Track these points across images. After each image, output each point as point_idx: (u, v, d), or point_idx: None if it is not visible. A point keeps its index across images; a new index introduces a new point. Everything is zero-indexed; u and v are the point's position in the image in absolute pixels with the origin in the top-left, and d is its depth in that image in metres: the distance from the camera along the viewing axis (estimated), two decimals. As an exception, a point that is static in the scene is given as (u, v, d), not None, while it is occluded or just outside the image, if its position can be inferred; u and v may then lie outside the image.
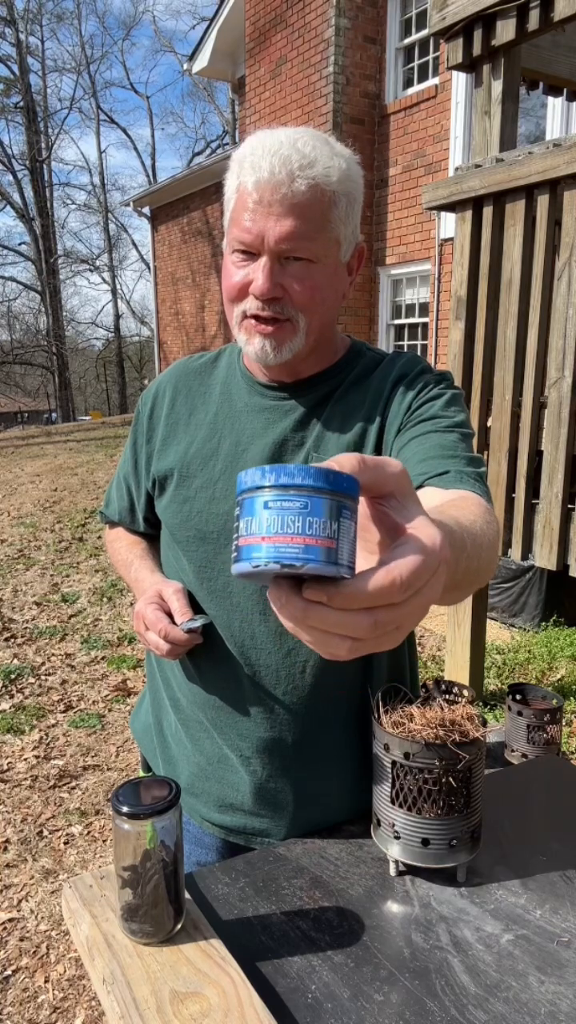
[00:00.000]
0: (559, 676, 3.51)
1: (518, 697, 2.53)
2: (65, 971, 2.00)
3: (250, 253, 0.93)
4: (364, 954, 0.84)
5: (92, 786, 2.83)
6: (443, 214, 6.90)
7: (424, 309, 8.20)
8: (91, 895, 0.90)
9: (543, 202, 2.58)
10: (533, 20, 2.59)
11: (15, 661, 3.96)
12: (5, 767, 2.96)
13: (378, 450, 0.99)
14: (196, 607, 1.04)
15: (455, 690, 1.04)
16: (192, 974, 0.78)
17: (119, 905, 0.84)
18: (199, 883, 0.95)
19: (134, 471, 1.16)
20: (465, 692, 1.03)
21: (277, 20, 8.43)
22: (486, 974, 0.81)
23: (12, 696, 3.56)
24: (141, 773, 1.22)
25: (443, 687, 1.05)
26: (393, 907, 0.90)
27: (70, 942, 2.08)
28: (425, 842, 0.91)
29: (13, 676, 3.76)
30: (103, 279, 32.15)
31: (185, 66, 11.91)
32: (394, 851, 0.94)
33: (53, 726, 3.29)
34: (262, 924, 0.88)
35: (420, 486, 0.86)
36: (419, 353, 8.23)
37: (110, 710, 3.44)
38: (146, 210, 14.16)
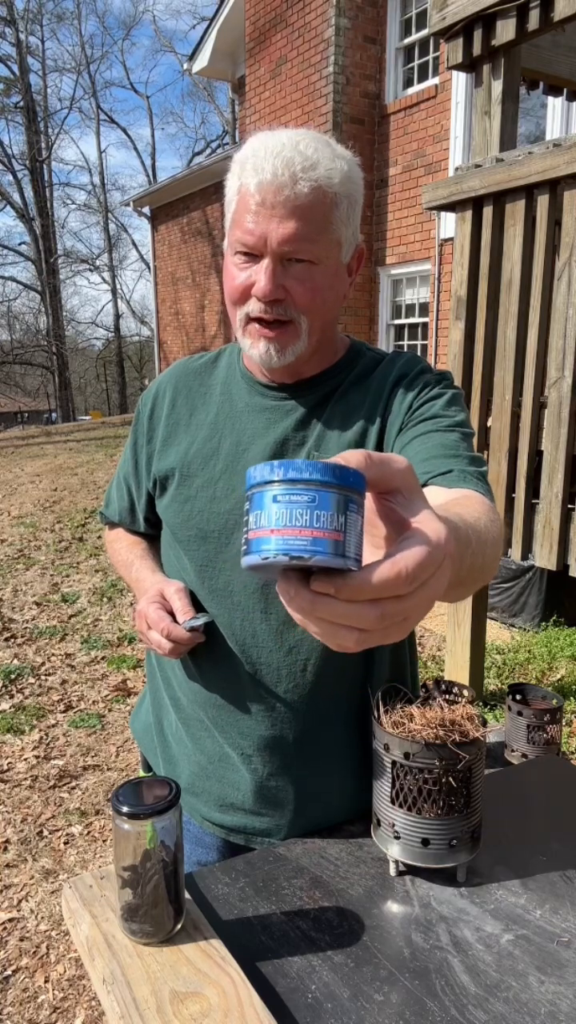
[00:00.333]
0: (559, 676, 3.51)
1: (518, 697, 2.53)
2: (65, 971, 2.00)
3: (252, 255, 0.93)
4: (364, 954, 0.84)
5: (92, 786, 2.83)
6: (443, 214, 6.90)
7: (424, 309, 8.20)
8: (91, 895, 0.90)
9: (543, 202, 2.58)
10: (533, 20, 2.59)
11: (15, 661, 3.96)
12: (5, 767, 2.96)
13: (379, 449, 0.99)
14: (198, 606, 1.04)
15: (455, 690, 1.04)
16: (192, 974, 0.78)
17: (119, 905, 0.84)
18: (199, 883, 0.95)
19: (134, 471, 1.16)
20: (465, 692, 1.03)
21: (277, 20, 8.43)
22: (486, 974, 0.81)
23: (12, 696, 3.56)
24: (141, 773, 1.22)
25: (443, 687, 1.05)
26: (393, 907, 0.90)
27: (70, 942, 2.08)
28: (425, 842, 0.91)
29: (13, 676, 3.76)
30: (103, 279, 32.17)
31: (185, 66, 11.91)
32: (394, 851, 0.94)
33: (53, 726, 3.29)
34: (262, 924, 0.88)
35: (424, 485, 0.86)
36: (419, 353, 8.23)
37: (110, 710, 3.44)
38: (146, 210, 14.16)
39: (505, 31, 2.69)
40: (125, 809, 0.79)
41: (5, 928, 2.15)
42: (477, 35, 2.79)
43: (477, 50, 2.81)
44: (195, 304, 12.98)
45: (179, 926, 0.84)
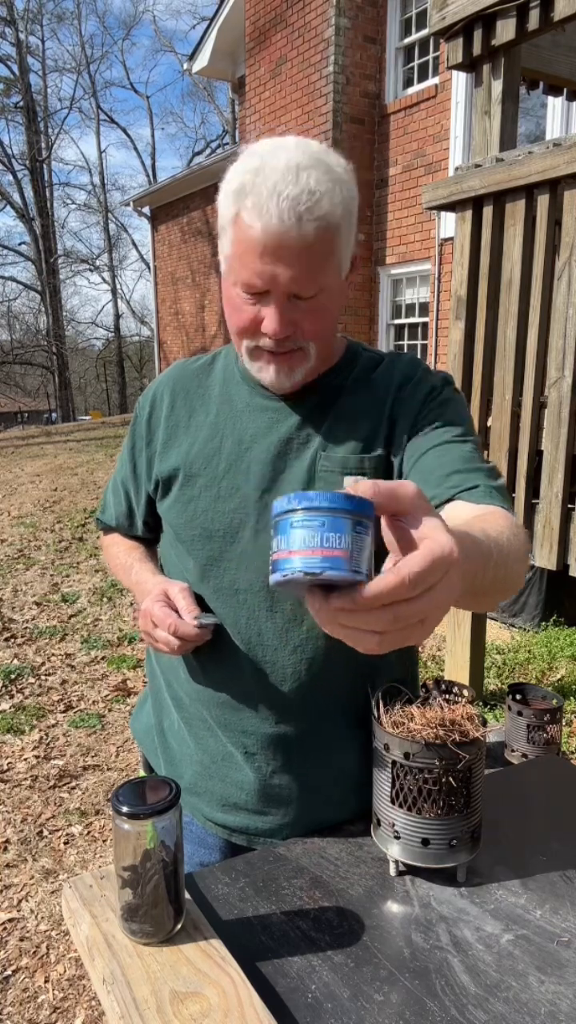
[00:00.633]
0: (559, 676, 3.51)
1: (518, 697, 2.53)
2: (65, 971, 2.00)
3: (258, 292, 0.92)
4: (364, 954, 0.84)
5: (92, 786, 2.83)
6: (443, 214, 6.90)
7: (424, 309, 8.20)
8: (91, 895, 0.90)
9: (543, 202, 2.58)
10: (533, 20, 2.59)
11: (15, 661, 3.96)
12: (5, 767, 2.96)
13: (388, 451, 1.00)
14: (202, 605, 1.04)
15: (455, 690, 1.04)
16: (192, 974, 0.78)
17: (119, 905, 0.84)
18: (199, 883, 0.95)
19: (133, 475, 1.16)
20: (465, 692, 1.03)
21: (277, 20, 8.43)
22: (486, 974, 0.81)
23: (12, 696, 3.56)
24: (142, 774, 1.22)
25: (443, 687, 1.05)
26: (393, 907, 0.90)
27: (70, 942, 2.08)
28: (425, 842, 0.91)
29: (13, 676, 3.76)
30: (103, 279, 32.17)
31: (185, 66, 11.91)
32: (394, 851, 0.94)
33: (53, 726, 3.29)
34: (262, 924, 0.88)
35: (451, 499, 0.91)
36: (419, 353, 8.23)
37: (110, 710, 3.44)
38: (146, 210, 14.16)
39: (505, 31, 2.69)
40: (125, 809, 0.79)
41: (5, 928, 2.15)
42: (477, 35, 2.79)
43: (477, 50, 2.81)
44: (195, 304, 12.98)
45: (179, 926, 0.84)
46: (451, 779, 0.90)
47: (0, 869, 2.38)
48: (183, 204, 12.88)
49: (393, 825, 0.93)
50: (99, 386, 35.72)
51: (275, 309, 0.92)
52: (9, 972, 2.00)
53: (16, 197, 26.57)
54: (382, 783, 0.94)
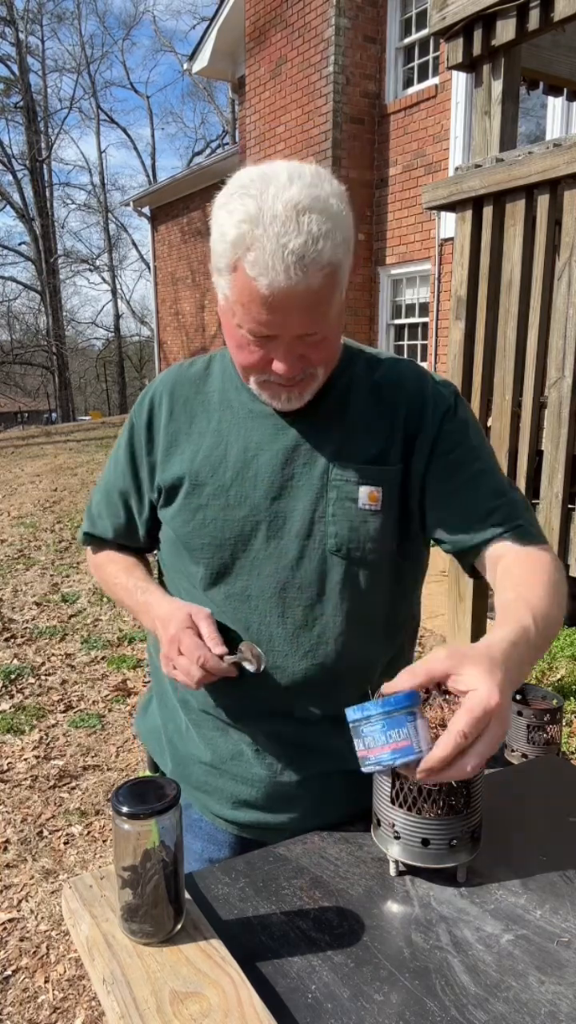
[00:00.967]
0: (559, 676, 3.51)
1: (518, 697, 2.53)
2: (65, 971, 2.00)
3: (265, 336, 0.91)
4: (364, 954, 0.84)
5: (92, 786, 2.83)
6: (443, 214, 6.89)
7: (424, 309, 8.20)
8: (91, 895, 0.90)
9: (543, 202, 2.58)
10: (533, 20, 2.59)
11: (15, 661, 3.96)
12: (5, 767, 2.96)
13: (406, 466, 1.01)
14: (224, 633, 1.02)
15: (455, 690, 1.04)
16: (192, 974, 0.78)
17: (119, 905, 0.84)
18: (199, 883, 0.95)
19: (134, 484, 1.13)
20: (465, 692, 1.03)
21: (277, 20, 8.43)
22: (486, 974, 0.81)
23: (12, 696, 3.56)
24: (148, 773, 1.22)
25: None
26: (393, 907, 0.90)
27: (70, 942, 2.08)
28: (425, 842, 0.91)
29: (13, 676, 3.76)
30: (103, 279, 32.14)
31: (185, 66, 11.91)
32: (394, 851, 0.94)
33: (53, 726, 3.29)
34: (262, 924, 0.88)
35: (497, 537, 0.99)
36: (419, 353, 8.23)
37: (110, 710, 3.44)
38: (146, 210, 14.17)
39: (505, 31, 2.69)
40: (125, 809, 0.79)
41: (5, 928, 2.15)
42: (477, 35, 2.79)
43: (477, 50, 2.81)
44: (195, 304, 12.98)
45: (179, 926, 0.84)
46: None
47: (0, 869, 2.38)
48: (183, 204, 12.88)
49: (393, 825, 0.93)
50: (99, 386, 35.72)
51: (284, 353, 0.91)
52: (9, 972, 2.00)
53: (16, 197, 26.59)
54: (382, 783, 0.94)
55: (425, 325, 8.22)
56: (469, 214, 2.87)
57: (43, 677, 3.79)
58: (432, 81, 7.62)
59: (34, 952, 2.06)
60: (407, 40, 7.92)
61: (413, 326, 8.46)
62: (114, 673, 3.83)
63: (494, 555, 1.00)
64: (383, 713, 0.71)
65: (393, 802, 0.93)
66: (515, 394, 2.78)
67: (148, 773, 1.22)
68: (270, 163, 0.89)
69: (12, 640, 4.24)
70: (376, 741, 0.72)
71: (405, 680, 0.72)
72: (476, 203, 2.83)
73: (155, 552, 1.21)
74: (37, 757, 3.03)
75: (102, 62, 45.95)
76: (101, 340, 34.20)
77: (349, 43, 7.80)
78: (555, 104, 7.12)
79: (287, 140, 8.50)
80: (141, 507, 1.14)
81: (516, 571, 0.94)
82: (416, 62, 7.91)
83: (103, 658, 4.01)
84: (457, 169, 2.92)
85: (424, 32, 7.48)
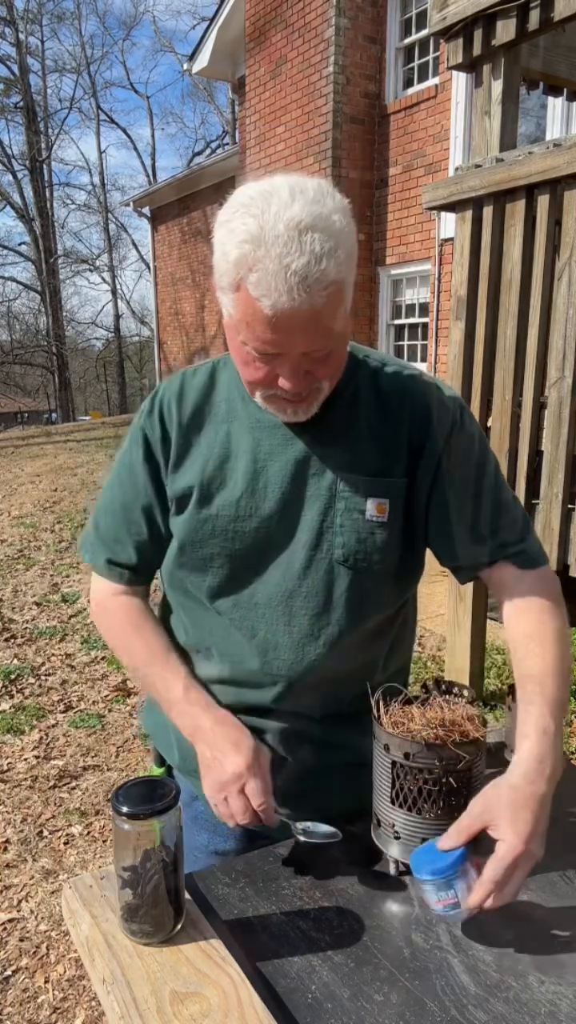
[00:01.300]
0: (559, 676, 3.51)
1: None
2: (65, 971, 2.00)
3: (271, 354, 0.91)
4: (364, 954, 0.84)
5: (92, 786, 2.83)
6: (443, 214, 6.89)
7: (424, 309, 8.20)
8: (91, 895, 0.90)
9: (543, 202, 2.58)
10: (533, 20, 2.59)
11: (15, 661, 3.96)
12: (5, 767, 2.96)
13: (411, 479, 1.02)
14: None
15: (455, 690, 1.04)
16: (192, 974, 0.78)
17: (119, 905, 0.84)
18: (199, 883, 0.95)
19: (156, 496, 1.08)
20: (465, 692, 1.03)
21: (277, 20, 8.43)
22: (486, 974, 0.81)
23: (12, 696, 3.56)
24: (154, 767, 1.23)
25: (443, 687, 1.05)
26: (393, 907, 0.91)
27: (70, 942, 2.08)
28: (425, 842, 0.91)
29: (13, 676, 3.76)
30: (103, 279, 32.09)
31: (185, 66, 11.91)
32: (394, 851, 0.94)
33: (53, 726, 3.29)
34: (262, 924, 0.88)
35: (498, 559, 1.03)
36: (419, 353, 8.23)
37: (110, 710, 3.44)
38: (146, 210, 14.16)
39: (505, 31, 2.69)
40: (125, 809, 0.79)
41: (5, 928, 2.15)
42: (477, 35, 2.79)
43: (477, 50, 2.81)
44: (195, 304, 12.98)
45: (179, 926, 0.85)
46: (451, 779, 0.90)
47: (0, 869, 2.38)
48: (183, 204, 12.88)
49: (393, 825, 0.93)
50: (99, 386, 35.71)
51: (291, 371, 0.90)
52: (9, 972, 2.00)
53: (16, 197, 26.57)
54: (382, 783, 0.94)
55: (425, 325, 8.22)
56: (469, 214, 2.87)
57: (43, 677, 3.79)
58: (432, 81, 7.62)
59: (34, 952, 2.06)
60: (407, 40, 7.92)
61: (413, 326, 8.46)
62: (114, 673, 3.83)
63: (498, 581, 1.05)
64: (436, 879, 0.83)
65: (393, 802, 0.93)
66: (515, 394, 2.78)
67: (154, 767, 1.23)
68: (272, 178, 0.88)
69: (12, 640, 4.24)
70: (430, 899, 0.84)
71: (452, 840, 0.84)
72: (476, 203, 2.83)
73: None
74: (37, 757, 3.03)
75: (102, 62, 45.97)
76: (101, 340, 34.20)
77: (349, 43, 7.80)
78: (555, 104, 7.12)
79: (287, 140, 8.50)
80: (165, 519, 1.10)
81: (524, 627, 1.01)
82: (416, 62, 7.91)
83: (103, 658, 4.01)
84: (457, 169, 2.92)
85: (424, 32, 7.48)
